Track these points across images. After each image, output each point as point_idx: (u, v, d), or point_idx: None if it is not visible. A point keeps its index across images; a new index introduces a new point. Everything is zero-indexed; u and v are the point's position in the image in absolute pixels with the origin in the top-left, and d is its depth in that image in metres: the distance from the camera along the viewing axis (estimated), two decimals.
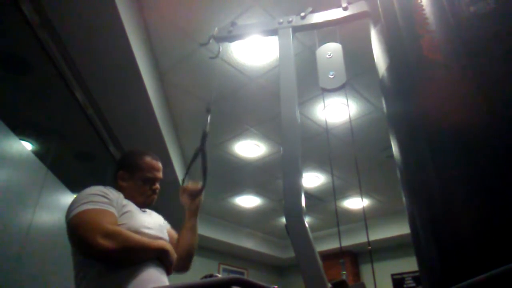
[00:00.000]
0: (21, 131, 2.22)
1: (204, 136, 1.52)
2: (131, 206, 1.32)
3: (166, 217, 1.55)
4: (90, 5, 1.94)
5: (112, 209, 1.23)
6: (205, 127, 1.52)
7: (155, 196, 1.45)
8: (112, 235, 1.13)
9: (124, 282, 1.14)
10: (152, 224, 1.35)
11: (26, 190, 2.25)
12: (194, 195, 1.53)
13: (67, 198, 2.65)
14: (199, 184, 1.54)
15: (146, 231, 1.28)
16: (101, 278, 1.15)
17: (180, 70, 2.94)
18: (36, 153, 2.39)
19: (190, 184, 1.56)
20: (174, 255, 1.30)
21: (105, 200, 1.23)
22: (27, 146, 2.42)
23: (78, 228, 1.14)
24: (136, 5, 2.34)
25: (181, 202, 1.55)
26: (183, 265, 1.47)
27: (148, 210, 1.45)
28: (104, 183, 1.36)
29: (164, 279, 1.25)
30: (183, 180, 1.59)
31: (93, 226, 1.12)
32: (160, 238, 1.33)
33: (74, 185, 2.75)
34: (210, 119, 1.55)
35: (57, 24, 2.04)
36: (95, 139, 3.05)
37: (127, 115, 2.90)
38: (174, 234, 1.54)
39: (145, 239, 1.24)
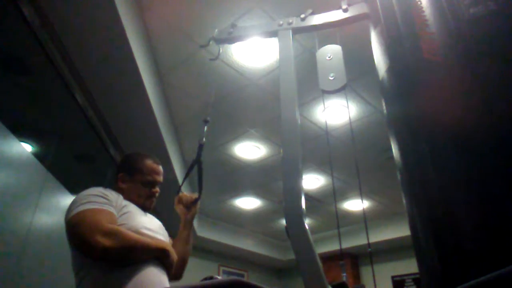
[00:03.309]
0: (21, 133, 2.22)
1: (200, 147, 1.52)
2: (131, 207, 1.32)
3: (166, 219, 1.55)
4: (90, 6, 1.94)
5: (111, 209, 1.23)
6: (201, 138, 1.52)
7: (154, 199, 1.45)
8: (112, 233, 1.13)
9: (124, 281, 1.13)
10: (152, 225, 1.34)
11: (26, 192, 2.25)
12: (189, 205, 1.54)
13: (67, 199, 2.65)
14: (195, 195, 1.55)
15: (146, 231, 1.27)
16: (101, 278, 1.14)
17: (180, 71, 2.94)
18: (36, 155, 2.39)
19: (186, 195, 1.56)
20: (174, 256, 1.30)
21: (105, 200, 1.23)
22: (27, 148, 2.42)
23: (78, 228, 1.13)
24: (136, 7, 2.35)
25: (176, 211, 1.55)
26: (175, 274, 1.45)
27: (148, 214, 1.44)
28: (103, 185, 1.35)
29: (164, 280, 1.25)
30: (178, 191, 1.60)
31: (92, 225, 1.12)
32: (160, 239, 1.33)
33: (74, 187, 2.75)
34: (207, 130, 1.55)
35: (57, 25, 2.04)
36: (95, 140, 3.05)
37: (127, 117, 2.90)
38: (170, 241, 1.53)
39: (145, 239, 1.23)
